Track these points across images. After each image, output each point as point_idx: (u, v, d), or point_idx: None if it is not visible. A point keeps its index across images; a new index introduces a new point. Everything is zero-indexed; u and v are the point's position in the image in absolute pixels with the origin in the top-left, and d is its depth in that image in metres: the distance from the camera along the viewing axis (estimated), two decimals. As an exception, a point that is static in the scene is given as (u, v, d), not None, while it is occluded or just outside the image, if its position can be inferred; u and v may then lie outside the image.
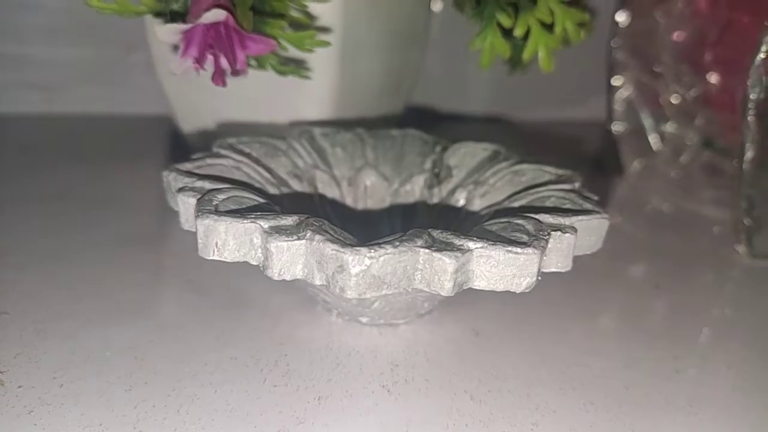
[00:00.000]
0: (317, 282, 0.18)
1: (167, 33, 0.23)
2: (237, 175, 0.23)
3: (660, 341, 0.23)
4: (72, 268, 0.26)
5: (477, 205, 0.25)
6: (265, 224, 0.18)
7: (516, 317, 0.24)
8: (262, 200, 0.21)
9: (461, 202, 0.26)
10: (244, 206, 0.20)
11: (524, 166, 0.26)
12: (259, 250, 0.18)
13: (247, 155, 0.25)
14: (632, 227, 0.35)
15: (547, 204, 0.22)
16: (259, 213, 0.19)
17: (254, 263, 0.19)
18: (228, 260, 0.18)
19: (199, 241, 0.19)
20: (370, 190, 0.27)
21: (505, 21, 0.27)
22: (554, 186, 0.23)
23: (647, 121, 0.39)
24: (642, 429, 0.19)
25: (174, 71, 0.24)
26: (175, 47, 0.24)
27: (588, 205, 0.22)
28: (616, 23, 0.39)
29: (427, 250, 0.17)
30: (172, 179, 0.22)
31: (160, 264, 0.27)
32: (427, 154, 0.28)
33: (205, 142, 0.27)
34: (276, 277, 0.18)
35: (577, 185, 0.24)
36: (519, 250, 0.18)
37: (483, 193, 0.25)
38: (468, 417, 0.19)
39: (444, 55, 0.48)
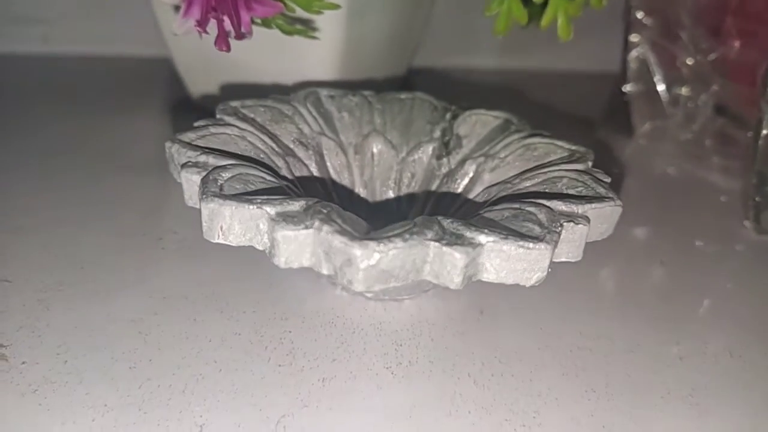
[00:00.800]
0: (325, 272, 0.17)
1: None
2: (242, 146, 0.23)
3: (663, 323, 0.23)
4: (73, 231, 0.25)
5: (486, 179, 0.25)
6: (271, 210, 0.18)
7: (520, 294, 0.24)
8: (268, 176, 0.20)
9: (470, 175, 0.25)
10: (250, 185, 0.19)
11: (536, 140, 0.25)
12: (266, 236, 0.18)
13: (252, 121, 0.24)
14: (638, 191, 0.34)
15: (559, 186, 0.22)
16: (265, 197, 0.18)
17: (260, 248, 0.18)
18: (233, 244, 0.18)
19: (204, 223, 0.18)
20: (377, 157, 0.27)
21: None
22: (567, 165, 0.23)
23: (661, 83, 0.38)
24: (641, 419, 0.19)
25: (175, 32, 0.23)
26: (177, 7, 0.23)
27: (601, 190, 0.21)
28: (636, -20, 0.37)
29: (437, 244, 0.17)
30: (175, 151, 0.21)
31: (164, 227, 0.27)
32: (436, 122, 0.27)
33: (212, 102, 0.26)
34: (282, 266, 0.17)
35: (590, 164, 0.24)
36: (531, 245, 0.17)
37: (493, 167, 0.25)
38: (471, 403, 0.19)
39: (453, 5, 0.46)
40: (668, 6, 0.35)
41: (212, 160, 0.20)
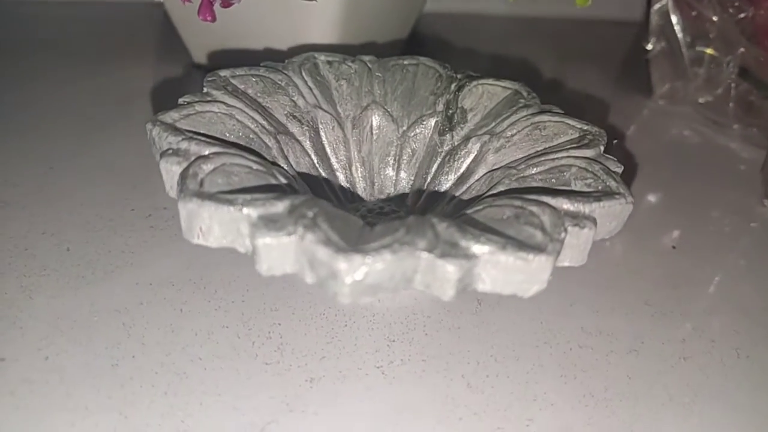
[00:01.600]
0: (309, 281, 0.16)
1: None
2: (229, 125, 0.21)
3: (669, 316, 0.22)
4: (58, 207, 0.24)
5: (490, 161, 0.23)
6: (253, 212, 0.16)
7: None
8: (255, 165, 0.19)
9: (473, 154, 0.24)
10: (233, 177, 0.18)
11: (546, 118, 0.23)
12: (247, 240, 0.17)
13: (242, 95, 0.23)
14: (653, 155, 0.33)
15: (567, 176, 0.20)
16: (248, 196, 0.17)
17: (242, 251, 0.17)
18: (213, 246, 0.17)
19: (183, 223, 0.17)
20: (377, 132, 0.25)
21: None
22: (577, 152, 0.21)
23: (684, 41, 0.35)
24: (640, 429, 0.18)
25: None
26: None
27: (612, 183, 0.20)
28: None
29: (429, 255, 0.16)
30: (156, 135, 0.20)
31: (154, 202, 0.26)
32: (440, 93, 0.25)
33: (212, 63, 0.24)
34: (264, 273, 0.16)
35: (601, 149, 0.22)
36: (531, 256, 0.16)
37: (498, 148, 0.23)
38: (462, 408, 0.18)
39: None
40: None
41: (194, 148, 0.19)
